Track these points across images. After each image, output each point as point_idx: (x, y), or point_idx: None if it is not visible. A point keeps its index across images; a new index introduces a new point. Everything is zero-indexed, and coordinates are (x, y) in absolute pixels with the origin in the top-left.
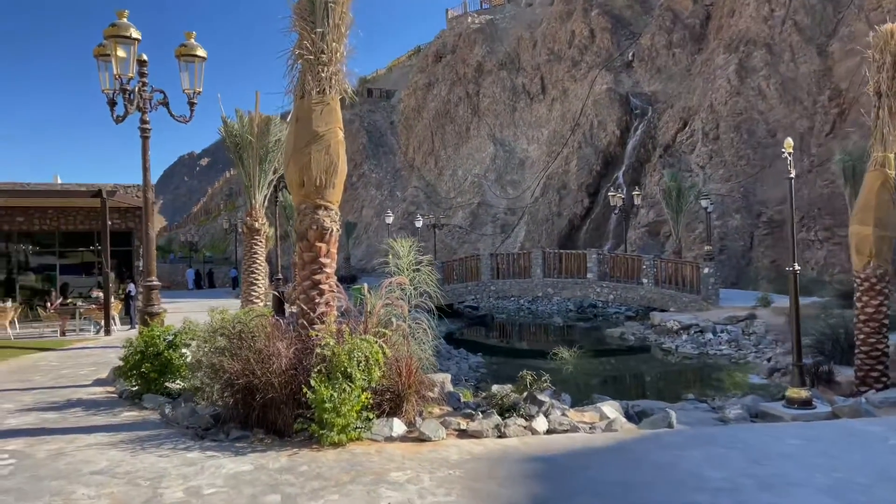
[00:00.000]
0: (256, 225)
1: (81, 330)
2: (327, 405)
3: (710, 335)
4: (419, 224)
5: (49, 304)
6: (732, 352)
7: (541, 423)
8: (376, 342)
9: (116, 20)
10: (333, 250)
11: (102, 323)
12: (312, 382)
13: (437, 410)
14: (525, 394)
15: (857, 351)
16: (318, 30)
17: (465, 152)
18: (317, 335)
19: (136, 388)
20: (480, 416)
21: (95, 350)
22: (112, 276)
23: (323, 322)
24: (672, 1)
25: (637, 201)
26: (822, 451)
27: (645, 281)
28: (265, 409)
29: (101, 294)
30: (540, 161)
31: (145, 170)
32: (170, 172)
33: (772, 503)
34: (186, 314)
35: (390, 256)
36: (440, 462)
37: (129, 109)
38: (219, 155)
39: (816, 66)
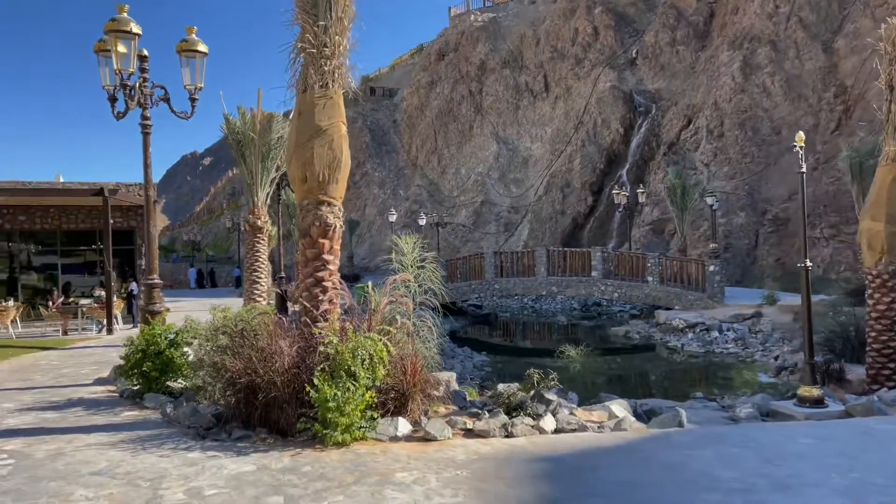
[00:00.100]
0: (259, 223)
1: (83, 329)
2: (331, 404)
3: (716, 333)
4: (422, 222)
5: (51, 304)
6: (739, 350)
7: (549, 423)
8: (381, 340)
9: (117, 15)
10: (337, 247)
11: (104, 322)
12: (316, 381)
13: (442, 409)
14: (532, 392)
15: (868, 349)
16: (321, 23)
17: (468, 151)
18: (320, 333)
19: (138, 387)
20: (487, 415)
21: (97, 349)
22: (114, 274)
23: (326, 320)
24: None
25: (641, 199)
26: (837, 450)
27: (650, 279)
28: (268, 408)
29: (103, 293)
30: (543, 159)
31: (146, 166)
32: (172, 172)
33: None
34: (189, 313)
35: (394, 254)
36: (447, 462)
37: (130, 105)
38: (221, 154)
39: (822, 62)
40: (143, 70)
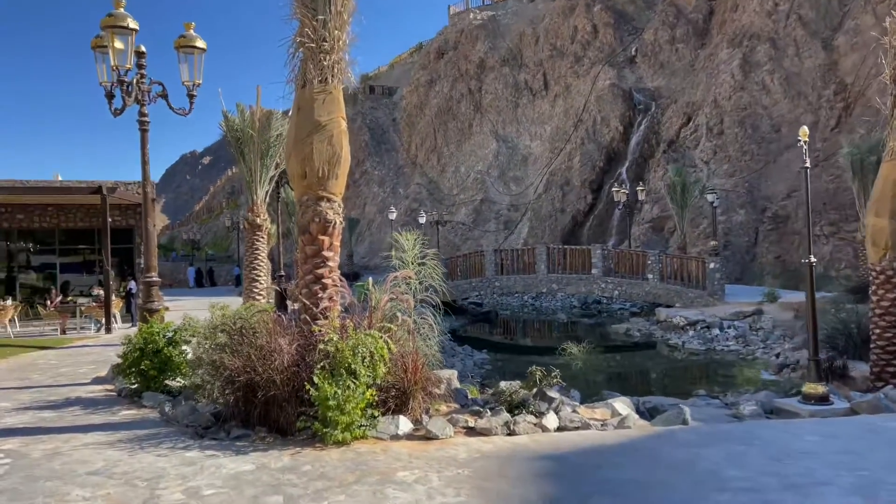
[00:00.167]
0: (258, 221)
1: (82, 328)
2: (331, 402)
3: (716, 331)
4: (422, 221)
5: (49, 302)
6: (740, 348)
7: (551, 420)
8: (381, 337)
9: (114, 10)
10: (336, 244)
11: (103, 321)
12: (315, 379)
13: (443, 408)
14: (534, 390)
15: (872, 346)
16: (320, 17)
17: (467, 149)
18: (320, 331)
19: (136, 385)
20: (489, 413)
21: (95, 348)
22: (113, 273)
23: (326, 317)
24: None
25: (641, 197)
26: (845, 448)
27: (650, 276)
28: (267, 406)
29: (101, 292)
30: (543, 157)
31: (144, 163)
32: (172, 171)
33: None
34: (188, 311)
35: (394, 251)
36: (448, 461)
37: (128, 102)
38: (221, 153)
39: (821, 60)
40: (140, 66)
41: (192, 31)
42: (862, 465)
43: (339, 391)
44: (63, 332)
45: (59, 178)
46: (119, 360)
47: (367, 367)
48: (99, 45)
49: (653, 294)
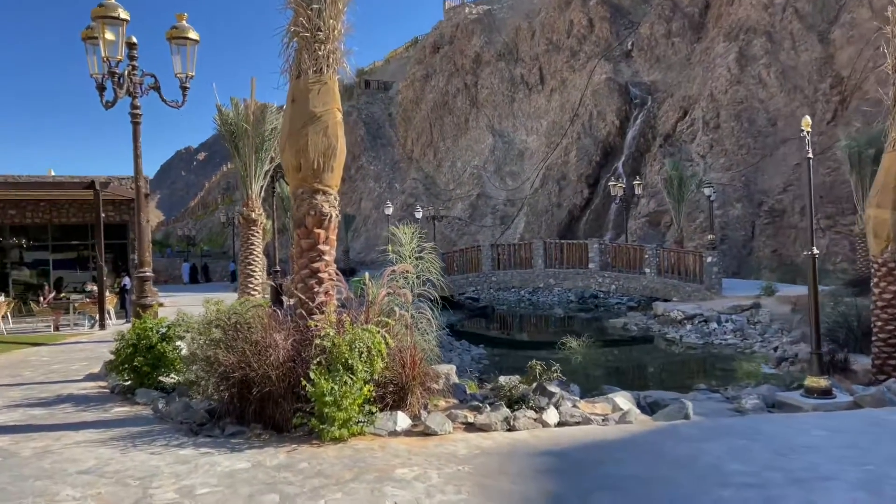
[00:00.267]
0: (253, 215)
1: (75, 324)
2: (328, 398)
3: (714, 325)
4: (419, 216)
5: (42, 299)
6: (738, 341)
7: (552, 416)
8: (379, 332)
9: (104, 0)
10: (333, 237)
11: (97, 317)
12: (312, 375)
13: (442, 403)
14: (534, 385)
15: (874, 338)
16: (315, 6)
17: (463, 144)
18: (316, 325)
19: (129, 382)
20: (488, 408)
21: (89, 345)
22: (107, 269)
23: (322, 312)
24: None
25: (637, 191)
26: (850, 442)
27: (647, 271)
28: (262, 403)
29: (95, 288)
30: (539, 152)
31: (136, 157)
32: (167, 167)
33: (805, 499)
34: (183, 307)
35: (390, 246)
36: (448, 457)
37: (119, 94)
38: (216, 149)
39: (818, 53)
40: (131, 58)
41: (184, 22)
42: (867, 459)
43: (336, 387)
44: (56, 328)
45: (53, 174)
46: (112, 357)
47: (365, 362)
48: (90, 36)
49: (650, 288)
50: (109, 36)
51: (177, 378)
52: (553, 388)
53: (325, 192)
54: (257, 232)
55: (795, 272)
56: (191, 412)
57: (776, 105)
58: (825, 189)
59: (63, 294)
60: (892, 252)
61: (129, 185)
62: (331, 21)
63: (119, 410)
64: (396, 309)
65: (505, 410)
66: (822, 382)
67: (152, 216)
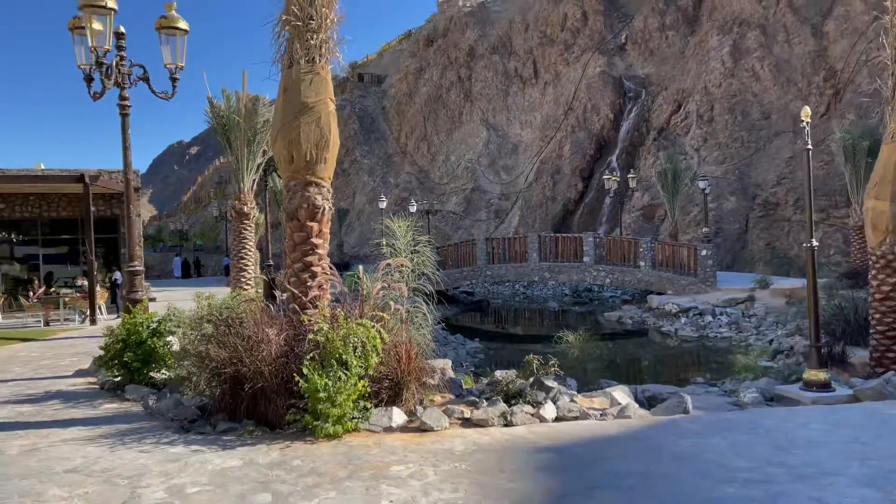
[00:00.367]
0: (245, 209)
1: (66, 319)
2: (321, 394)
3: (709, 318)
4: (413, 210)
5: (31, 294)
6: (733, 334)
7: (549, 411)
8: (373, 327)
9: None
10: (326, 230)
11: (88, 312)
12: (305, 370)
13: (438, 398)
14: (531, 379)
15: (872, 331)
16: None
17: (457, 137)
18: (309, 320)
19: (119, 378)
20: (485, 403)
21: (79, 340)
22: (97, 264)
23: (315, 306)
24: None
25: (631, 185)
26: (853, 437)
27: (642, 264)
28: (255, 399)
29: (86, 282)
30: (533, 146)
31: (125, 149)
32: (159, 161)
33: (810, 496)
34: (175, 302)
35: (384, 240)
36: (444, 454)
37: (107, 85)
38: (209, 143)
39: (811, 46)
40: (120, 48)
41: (173, 12)
42: (870, 454)
43: (330, 382)
44: (46, 323)
45: (42, 168)
46: (101, 352)
47: (359, 357)
48: (77, 26)
49: (645, 281)
50: (97, 26)
51: (167, 374)
52: (550, 383)
53: (317, 185)
54: (250, 226)
55: (789, 265)
56: (181, 409)
57: (770, 98)
58: (818, 182)
59: (53, 289)
60: (890, 244)
61: (119, 179)
62: (323, 10)
63: (108, 407)
64: (391, 303)
65: (502, 405)
66: (822, 375)
67: (144, 211)
